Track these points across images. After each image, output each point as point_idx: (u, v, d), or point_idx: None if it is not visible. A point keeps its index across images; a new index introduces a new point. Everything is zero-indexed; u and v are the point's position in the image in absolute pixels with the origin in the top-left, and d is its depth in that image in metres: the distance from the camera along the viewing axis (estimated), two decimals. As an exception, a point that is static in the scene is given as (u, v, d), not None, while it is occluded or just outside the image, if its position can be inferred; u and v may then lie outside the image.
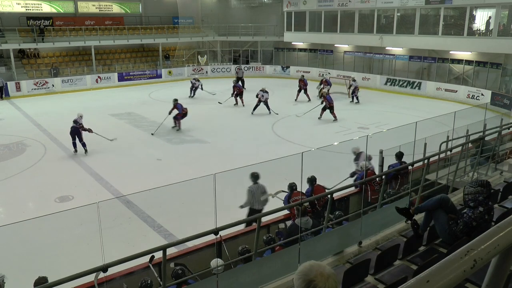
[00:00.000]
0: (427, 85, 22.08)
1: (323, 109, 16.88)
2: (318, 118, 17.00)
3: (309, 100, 20.15)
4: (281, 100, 20.68)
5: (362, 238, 5.10)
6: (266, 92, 18.08)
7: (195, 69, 28.43)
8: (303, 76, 21.13)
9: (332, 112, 16.69)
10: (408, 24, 22.79)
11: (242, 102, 19.60)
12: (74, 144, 12.92)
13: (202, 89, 21.30)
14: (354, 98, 20.32)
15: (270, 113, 17.87)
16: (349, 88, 21.23)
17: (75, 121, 12.90)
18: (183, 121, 15.78)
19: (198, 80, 21.72)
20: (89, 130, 12.98)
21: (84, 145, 12.97)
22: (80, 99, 21.73)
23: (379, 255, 4.37)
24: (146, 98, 22.07)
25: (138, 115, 18.03)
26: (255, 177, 7.68)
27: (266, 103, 17.99)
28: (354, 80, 20.85)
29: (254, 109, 18.10)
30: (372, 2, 23.63)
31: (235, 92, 19.57)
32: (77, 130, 12.85)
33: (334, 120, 16.70)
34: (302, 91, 20.60)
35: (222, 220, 4.25)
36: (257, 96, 18.17)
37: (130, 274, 5.32)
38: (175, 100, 15.75)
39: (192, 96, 21.63)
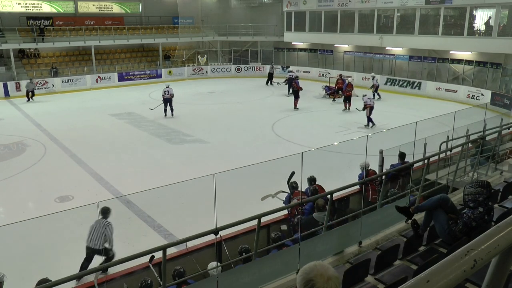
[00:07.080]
0: (427, 85, 22.07)
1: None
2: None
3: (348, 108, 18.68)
4: (282, 99, 20.68)
5: (362, 238, 5.11)
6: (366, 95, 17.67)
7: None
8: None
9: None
10: (408, 24, 22.77)
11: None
12: (165, 111, 17.18)
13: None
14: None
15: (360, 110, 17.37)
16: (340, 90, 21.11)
17: (166, 92, 17.00)
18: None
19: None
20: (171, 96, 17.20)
21: (172, 109, 17.26)
22: (80, 99, 21.73)
23: (379, 255, 4.37)
24: (146, 98, 22.03)
25: (138, 115, 18.02)
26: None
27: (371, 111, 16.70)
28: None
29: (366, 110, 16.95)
30: (372, 2, 23.61)
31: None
32: (169, 100, 17.08)
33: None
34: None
35: (222, 220, 4.26)
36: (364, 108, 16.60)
37: (130, 274, 5.33)
38: (296, 77, 20.34)
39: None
